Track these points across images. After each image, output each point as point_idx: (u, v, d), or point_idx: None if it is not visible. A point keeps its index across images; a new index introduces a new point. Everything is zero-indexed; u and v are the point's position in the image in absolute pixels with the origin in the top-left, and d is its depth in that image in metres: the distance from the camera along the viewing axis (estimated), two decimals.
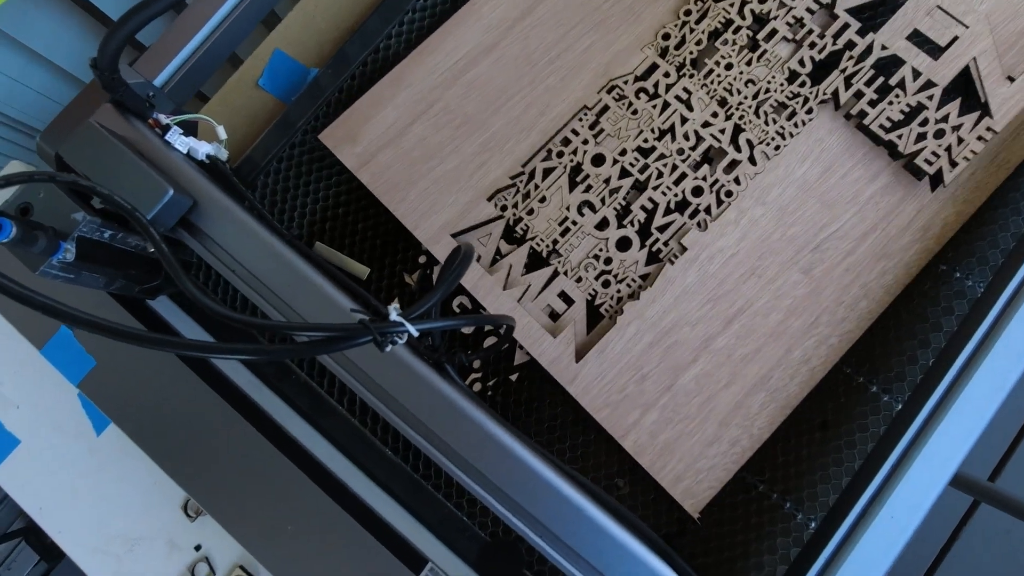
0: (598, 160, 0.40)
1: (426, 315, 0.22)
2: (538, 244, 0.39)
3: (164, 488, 0.41)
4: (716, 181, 0.39)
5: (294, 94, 0.46)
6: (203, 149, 0.36)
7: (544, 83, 0.41)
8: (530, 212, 0.39)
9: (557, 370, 0.37)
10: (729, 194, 0.39)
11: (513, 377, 0.39)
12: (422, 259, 0.41)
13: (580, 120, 0.40)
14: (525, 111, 0.41)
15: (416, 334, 0.21)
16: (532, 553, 0.38)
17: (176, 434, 0.35)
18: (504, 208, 0.40)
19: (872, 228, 0.38)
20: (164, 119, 0.36)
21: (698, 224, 0.39)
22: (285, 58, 0.47)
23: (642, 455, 0.36)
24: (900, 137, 0.38)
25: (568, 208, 0.39)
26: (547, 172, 0.40)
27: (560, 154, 0.40)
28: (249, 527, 0.33)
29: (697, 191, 0.39)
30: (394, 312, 0.21)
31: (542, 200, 0.39)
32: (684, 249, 0.38)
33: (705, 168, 0.39)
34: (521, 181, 0.40)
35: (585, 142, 0.40)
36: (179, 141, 0.35)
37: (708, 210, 0.39)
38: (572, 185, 0.40)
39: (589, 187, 0.39)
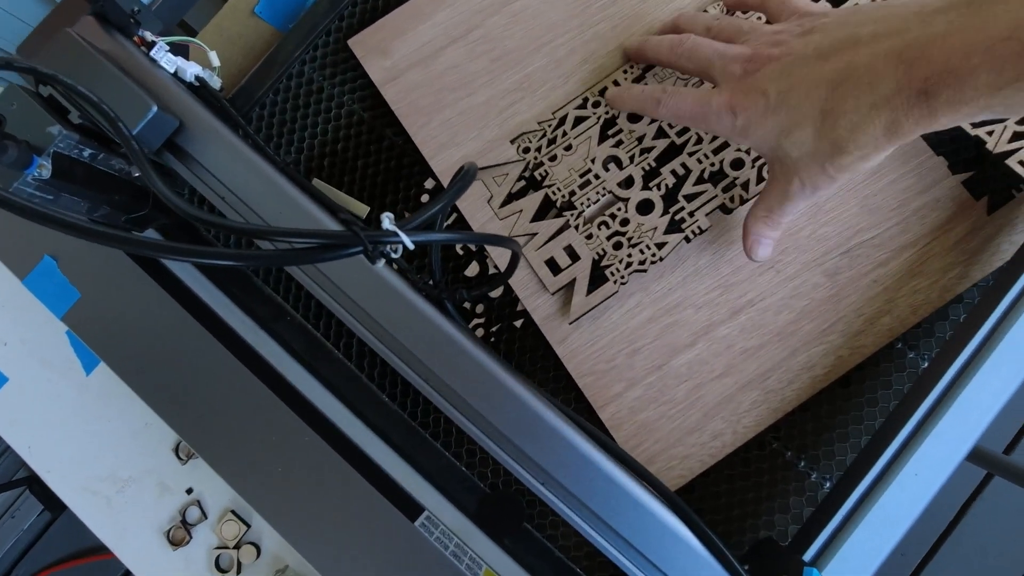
0: (635, 116, 0.37)
1: (424, 227, 0.20)
2: (554, 193, 0.36)
3: (155, 430, 0.39)
4: (759, 157, 0.35)
5: (290, 23, 0.43)
6: (191, 69, 0.33)
7: (593, 29, 0.38)
8: (552, 159, 0.37)
9: (548, 328, 0.36)
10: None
11: (517, 323, 0.37)
12: (424, 198, 0.39)
13: (625, 73, 0.37)
14: (568, 55, 0.38)
15: (411, 245, 0.19)
16: (533, 506, 0.36)
17: (166, 373, 0.33)
18: (526, 151, 0.37)
19: (912, 243, 0.35)
20: (150, 37, 0.33)
21: (730, 199, 0.35)
22: None
23: (618, 430, 0.35)
24: (991, 134, 0.34)
25: (593, 160, 0.36)
26: (579, 120, 0.37)
27: (596, 104, 0.37)
28: (240, 469, 0.32)
29: (737, 164, 0.36)
30: (387, 221, 0.19)
31: (568, 148, 0.37)
32: (703, 229, 0.35)
33: None
34: (549, 126, 0.37)
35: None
36: (165, 59, 0.32)
37: (745, 186, 0.35)
38: (602, 138, 0.37)
39: (620, 142, 0.36)
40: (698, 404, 0.35)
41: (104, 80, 0.29)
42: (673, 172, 0.36)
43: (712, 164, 0.36)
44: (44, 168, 0.28)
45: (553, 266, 0.36)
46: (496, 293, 0.38)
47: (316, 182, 0.40)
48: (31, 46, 0.33)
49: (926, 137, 0.35)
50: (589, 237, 0.36)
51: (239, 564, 0.37)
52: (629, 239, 0.36)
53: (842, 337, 0.34)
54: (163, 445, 0.39)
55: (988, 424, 0.29)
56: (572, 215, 0.36)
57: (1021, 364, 0.29)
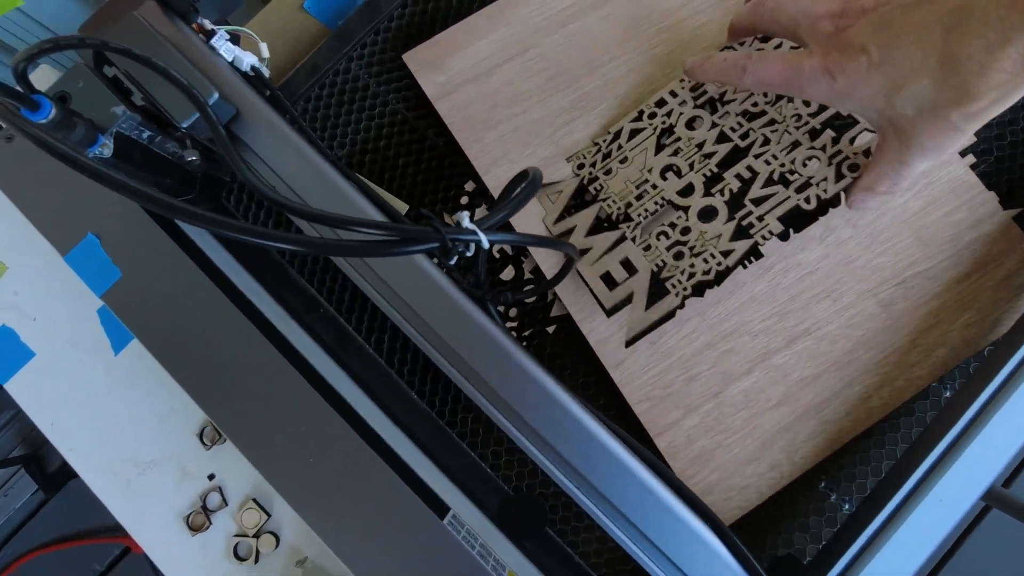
0: (693, 123, 0.36)
1: (499, 228, 0.20)
2: (609, 206, 0.36)
3: (180, 414, 0.39)
4: (838, 153, 0.35)
5: (339, 20, 0.44)
6: (248, 59, 0.34)
7: (651, 52, 0.38)
8: (608, 172, 0.36)
9: (603, 351, 0.35)
10: (854, 168, 0.35)
11: (550, 329, 0.38)
12: (464, 200, 0.39)
13: (682, 82, 0.37)
14: (624, 76, 0.38)
15: (487, 245, 0.20)
16: (556, 510, 0.37)
17: (200, 356, 0.33)
18: (580, 167, 0.37)
19: (965, 276, 0.35)
20: (209, 25, 0.34)
21: (805, 199, 0.35)
22: None
23: (675, 458, 0.34)
24: None
25: (650, 171, 0.36)
26: (634, 132, 0.37)
27: (652, 115, 0.37)
28: (269, 455, 0.32)
29: (811, 162, 0.35)
30: (466, 219, 0.19)
31: (623, 161, 0.36)
32: (774, 233, 0.35)
33: (826, 136, 0.35)
34: (604, 141, 0.37)
35: (683, 103, 0.37)
36: (224, 47, 0.33)
37: (823, 185, 0.35)
38: (659, 148, 0.36)
39: (678, 151, 0.36)
40: (755, 433, 0.34)
41: (167, 64, 0.30)
42: (738, 176, 0.35)
43: (782, 165, 0.35)
44: (106, 147, 0.28)
45: (609, 280, 0.36)
46: (531, 298, 0.38)
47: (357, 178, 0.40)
48: (93, 27, 0.33)
49: (980, 173, 0.36)
50: (647, 248, 0.35)
51: (257, 553, 0.37)
52: (691, 248, 0.35)
53: (897, 368, 0.34)
54: (187, 430, 0.39)
55: (1011, 458, 0.30)
56: (628, 227, 0.36)
57: None
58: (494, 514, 0.36)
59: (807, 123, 0.36)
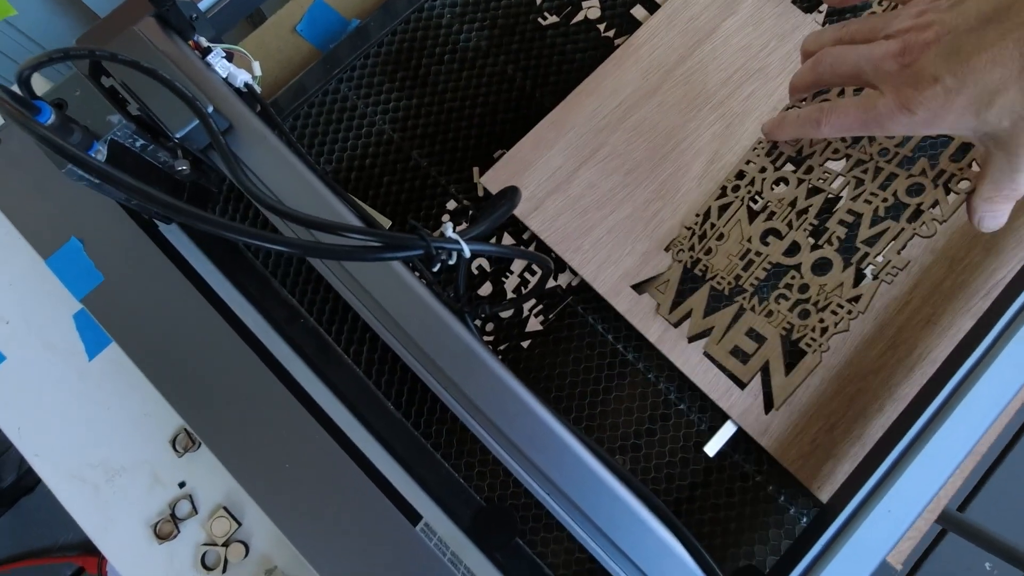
0: (778, 185, 0.37)
1: (480, 240, 0.22)
2: (719, 282, 0.37)
3: (154, 420, 0.39)
4: (941, 173, 0.35)
5: (330, 44, 0.46)
6: (242, 76, 0.35)
7: (711, 129, 0.40)
8: (708, 252, 0.37)
9: (747, 422, 0.36)
10: (963, 183, 0.35)
11: (525, 344, 0.39)
12: (445, 218, 0.41)
13: (755, 150, 0.38)
14: (694, 157, 0.40)
15: (468, 254, 0.21)
16: (526, 521, 0.37)
17: (180, 361, 0.34)
18: (679, 252, 0.38)
19: None
20: (205, 42, 0.35)
21: (922, 225, 0.35)
22: (325, 7, 0.46)
23: (784, 455, 0.36)
24: None
25: (749, 240, 0.37)
26: (723, 208, 0.38)
27: (736, 188, 0.38)
28: (244, 461, 0.32)
29: (915, 189, 0.35)
30: (450, 229, 0.21)
31: (720, 238, 0.37)
32: (900, 268, 0.36)
33: (922, 162, 0.36)
34: (696, 223, 0.38)
35: (763, 170, 0.38)
36: (220, 64, 0.34)
37: (936, 209, 0.35)
38: (751, 216, 0.37)
39: (772, 214, 0.37)
40: (854, 406, 0.36)
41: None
42: (841, 222, 0.36)
43: (884, 200, 0.36)
44: (100, 153, 0.29)
45: (740, 354, 0.36)
46: (506, 314, 0.39)
47: None
48: (92, 40, 0.34)
49: None
50: (769, 315, 0.36)
51: (226, 562, 0.37)
52: (815, 304, 0.36)
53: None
54: (160, 437, 0.39)
55: (954, 470, 0.32)
56: (744, 298, 0.36)
57: (983, 417, 0.32)
58: (466, 524, 0.36)
59: (896, 154, 0.37)
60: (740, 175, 0.38)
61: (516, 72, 0.43)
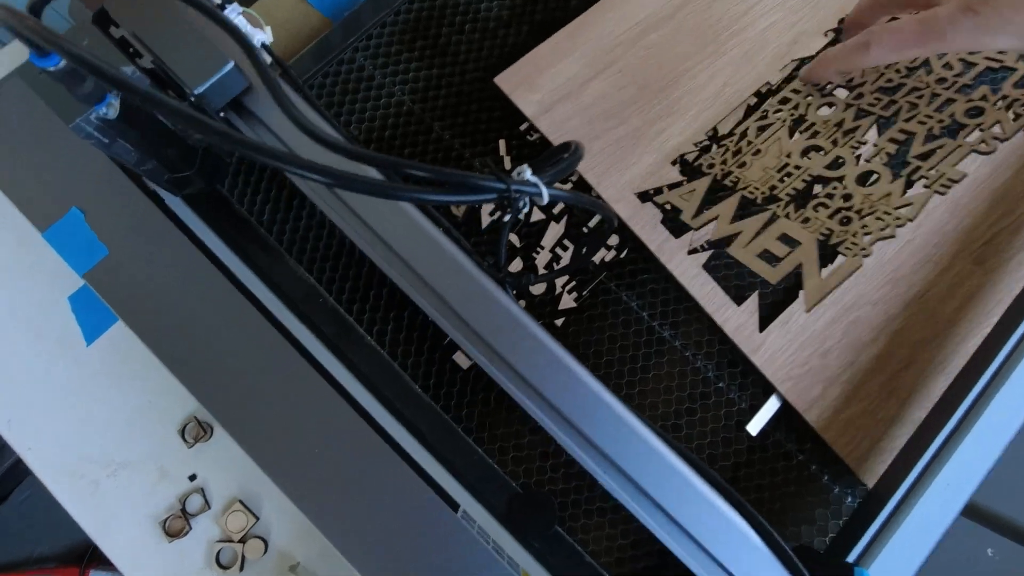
0: (827, 107, 0.37)
1: (554, 184, 0.20)
2: (752, 191, 0.36)
3: (160, 409, 0.37)
4: (1005, 97, 0.35)
5: (343, 13, 0.43)
6: (259, 36, 0.33)
7: (727, 55, 0.40)
8: (742, 165, 0.37)
9: (740, 338, 0.36)
10: None
11: (558, 322, 0.37)
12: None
13: (783, 70, 0.39)
14: (708, 81, 0.40)
15: (547, 199, 0.19)
16: (564, 507, 0.36)
17: (194, 340, 0.31)
18: (711, 166, 0.37)
19: None
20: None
21: (983, 143, 0.36)
22: None
23: (826, 431, 0.36)
24: None
25: (789, 155, 0.36)
26: (762, 129, 0.38)
27: (778, 111, 0.38)
28: (269, 447, 0.30)
29: (975, 112, 0.36)
30: (528, 172, 0.19)
31: (756, 153, 0.37)
32: (955, 180, 0.37)
33: (982, 88, 0.36)
34: (731, 141, 0.37)
35: (809, 96, 0.38)
36: (239, 20, 0.32)
37: (997, 127, 0.35)
38: (792, 134, 0.37)
39: (816, 132, 0.37)
40: (894, 395, 0.36)
41: (180, 32, 0.28)
42: (892, 140, 0.36)
43: (940, 121, 0.36)
44: (112, 107, 0.26)
45: (769, 257, 0.35)
46: (539, 290, 0.38)
47: None
48: None
49: None
50: (805, 221, 0.35)
51: (243, 559, 0.34)
52: (859, 212, 0.35)
53: (999, 317, 0.36)
54: (168, 426, 0.36)
55: (1015, 434, 0.31)
56: (779, 206, 0.35)
57: None
58: (501, 511, 0.34)
59: (954, 83, 0.37)
60: (784, 100, 0.38)
61: (540, 43, 0.41)
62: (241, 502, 0.35)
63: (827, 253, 0.36)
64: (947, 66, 0.37)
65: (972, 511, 0.67)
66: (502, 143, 0.40)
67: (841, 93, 0.39)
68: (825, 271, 0.36)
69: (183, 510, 0.35)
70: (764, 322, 0.37)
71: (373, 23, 0.42)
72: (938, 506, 0.31)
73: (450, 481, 0.34)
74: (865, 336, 0.37)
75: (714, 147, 0.39)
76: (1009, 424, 0.33)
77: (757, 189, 0.37)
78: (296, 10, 0.44)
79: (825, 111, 0.38)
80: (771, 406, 0.37)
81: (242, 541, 0.34)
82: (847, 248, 0.36)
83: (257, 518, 0.35)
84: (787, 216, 0.36)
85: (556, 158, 0.21)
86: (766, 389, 0.37)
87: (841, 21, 0.40)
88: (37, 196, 0.33)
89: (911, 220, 0.36)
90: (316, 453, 0.30)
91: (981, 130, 0.37)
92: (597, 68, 0.40)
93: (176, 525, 0.35)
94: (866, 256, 0.36)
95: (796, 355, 0.37)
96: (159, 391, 0.37)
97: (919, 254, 0.39)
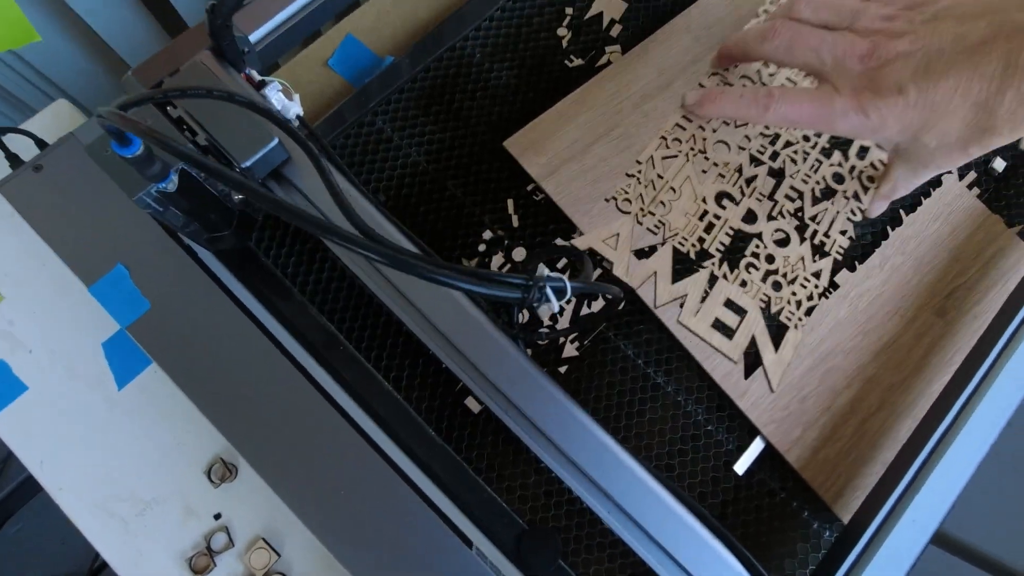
0: (722, 149, 0.41)
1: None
2: (682, 243, 0.38)
3: (187, 450, 0.39)
4: (852, 168, 0.41)
5: (362, 79, 0.47)
6: (294, 109, 0.36)
7: (715, 121, 0.44)
8: (662, 205, 0.39)
9: (728, 385, 0.40)
10: (870, 180, 0.41)
11: (562, 370, 0.41)
12: (482, 247, 0.42)
13: (685, 118, 0.42)
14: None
15: (570, 294, 0.22)
16: (567, 543, 0.38)
17: (224, 384, 0.34)
18: (627, 202, 0.39)
19: (993, 284, 0.43)
20: (256, 76, 0.36)
21: (851, 212, 0.40)
22: (357, 43, 0.48)
23: (805, 470, 0.39)
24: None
25: (705, 200, 0.39)
26: (667, 160, 0.41)
27: (676, 140, 0.41)
28: (292, 482, 0.32)
29: (838, 178, 0.41)
30: (546, 271, 0.22)
31: (672, 191, 0.39)
32: (837, 286, 0.41)
33: (837, 154, 0.41)
34: (639, 172, 0.40)
35: (701, 127, 0.41)
36: (275, 97, 0.35)
37: (857, 197, 0.40)
38: (701, 176, 0.40)
39: (721, 175, 0.40)
40: (865, 438, 0.39)
41: (230, 110, 0.32)
42: (787, 197, 0.39)
43: (817, 183, 0.41)
44: (172, 182, 0.29)
45: (723, 328, 0.38)
46: (542, 343, 0.41)
47: None
48: (149, 71, 0.34)
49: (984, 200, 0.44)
50: (743, 284, 0.38)
51: None
52: (784, 276, 0.38)
53: (961, 366, 0.41)
54: (194, 467, 0.38)
55: (973, 472, 0.35)
56: (713, 263, 0.38)
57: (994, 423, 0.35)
58: (509, 548, 0.37)
59: (816, 144, 0.42)
60: (679, 128, 0.41)
61: (546, 109, 0.45)
62: (264, 540, 0.37)
63: (772, 323, 0.40)
64: (832, 134, 0.42)
65: (942, 540, 0.71)
66: (510, 202, 0.44)
67: (726, 131, 0.42)
68: (781, 349, 0.40)
69: (208, 548, 0.37)
70: (748, 370, 0.41)
71: (392, 89, 0.45)
72: (907, 538, 0.35)
73: (462, 518, 0.37)
74: (839, 383, 0.41)
75: (624, 178, 0.41)
76: (969, 462, 0.36)
77: (687, 240, 0.39)
78: (321, 74, 0.47)
79: (723, 150, 0.41)
80: (756, 447, 0.40)
81: None
82: (786, 318, 0.39)
83: (279, 555, 0.37)
84: (724, 276, 0.39)
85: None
86: (751, 431, 0.40)
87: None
88: (84, 253, 0.35)
89: (808, 317, 0.40)
90: (338, 491, 0.33)
91: (847, 197, 0.42)
92: (599, 132, 0.44)
93: (201, 562, 0.36)
94: (804, 327, 0.39)
95: (777, 400, 0.40)
96: (186, 432, 0.39)
97: (887, 307, 0.43)
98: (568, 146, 0.44)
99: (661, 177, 0.40)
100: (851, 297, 0.43)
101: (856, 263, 0.43)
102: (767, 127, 0.41)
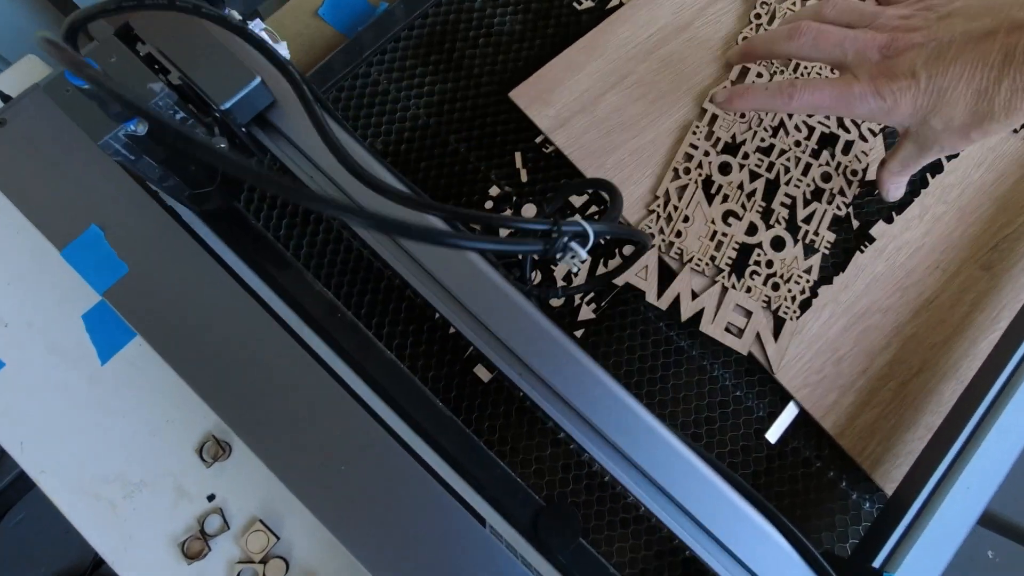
0: (725, 168, 0.40)
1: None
2: (697, 264, 0.38)
3: (177, 428, 0.36)
4: (838, 164, 0.41)
5: (355, 28, 0.44)
6: (282, 51, 0.33)
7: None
8: (679, 235, 0.39)
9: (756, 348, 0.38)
10: (855, 173, 0.41)
11: (578, 333, 0.38)
12: (489, 204, 0.39)
13: (695, 133, 0.40)
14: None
15: (592, 239, 0.19)
16: (588, 519, 0.35)
17: (215, 357, 0.31)
18: (651, 236, 0.39)
19: None
20: (238, 16, 0.33)
21: (837, 207, 0.40)
22: None
23: (842, 437, 0.36)
24: None
25: (713, 221, 0.39)
26: (681, 190, 0.40)
27: (687, 170, 0.40)
28: (288, 459, 0.29)
29: (826, 176, 0.40)
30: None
31: (686, 220, 0.39)
32: (873, 239, 0.39)
33: (825, 154, 0.41)
34: (659, 205, 0.39)
35: (707, 153, 0.40)
36: (262, 35, 0.32)
37: (842, 192, 0.40)
38: (709, 199, 0.40)
39: (726, 196, 0.40)
40: (906, 401, 0.37)
41: (207, 49, 0.28)
42: (783, 204, 0.40)
43: (808, 185, 0.40)
44: (142, 124, 0.26)
45: (735, 331, 0.38)
46: (558, 302, 0.38)
47: None
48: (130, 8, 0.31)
49: None
50: (749, 291, 0.38)
51: None
52: (782, 276, 0.38)
53: (1008, 321, 0.38)
54: (185, 445, 0.36)
55: None
56: (723, 277, 0.38)
57: None
58: (525, 526, 0.34)
59: (806, 147, 0.41)
60: (687, 157, 0.40)
61: (554, 57, 0.42)
62: (261, 521, 0.34)
63: (774, 320, 0.39)
64: (797, 128, 0.41)
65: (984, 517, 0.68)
66: (518, 156, 0.40)
67: (731, 151, 0.41)
68: (780, 338, 0.38)
69: (202, 531, 0.34)
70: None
71: (387, 38, 0.42)
72: (959, 510, 0.32)
73: (473, 495, 0.34)
74: (877, 343, 0.38)
75: (645, 212, 0.40)
76: None
77: (702, 260, 0.39)
78: (309, 24, 0.44)
79: (726, 173, 0.40)
80: (789, 413, 0.37)
81: (263, 562, 0.34)
82: (783, 312, 0.38)
83: (278, 538, 0.34)
84: (733, 287, 0.38)
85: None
86: (783, 396, 0.37)
87: None
88: (54, 213, 0.32)
89: (843, 272, 0.39)
90: (338, 467, 0.30)
91: (833, 193, 0.40)
92: (611, 81, 0.41)
93: (195, 547, 0.34)
94: (798, 318, 0.38)
95: (811, 363, 0.37)
96: (175, 409, 0.36)
97: (927, 261, 0.40)
98: (578, 96, 0.41)
99: (676, 208, 0.39)
100: (888, 251, 0.40)
101: (893, 214, 0.40)
102: (762, 139, 0.41)
